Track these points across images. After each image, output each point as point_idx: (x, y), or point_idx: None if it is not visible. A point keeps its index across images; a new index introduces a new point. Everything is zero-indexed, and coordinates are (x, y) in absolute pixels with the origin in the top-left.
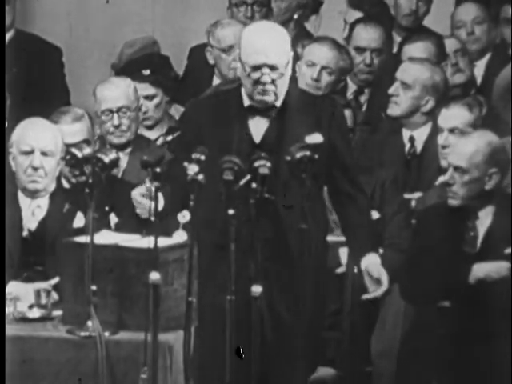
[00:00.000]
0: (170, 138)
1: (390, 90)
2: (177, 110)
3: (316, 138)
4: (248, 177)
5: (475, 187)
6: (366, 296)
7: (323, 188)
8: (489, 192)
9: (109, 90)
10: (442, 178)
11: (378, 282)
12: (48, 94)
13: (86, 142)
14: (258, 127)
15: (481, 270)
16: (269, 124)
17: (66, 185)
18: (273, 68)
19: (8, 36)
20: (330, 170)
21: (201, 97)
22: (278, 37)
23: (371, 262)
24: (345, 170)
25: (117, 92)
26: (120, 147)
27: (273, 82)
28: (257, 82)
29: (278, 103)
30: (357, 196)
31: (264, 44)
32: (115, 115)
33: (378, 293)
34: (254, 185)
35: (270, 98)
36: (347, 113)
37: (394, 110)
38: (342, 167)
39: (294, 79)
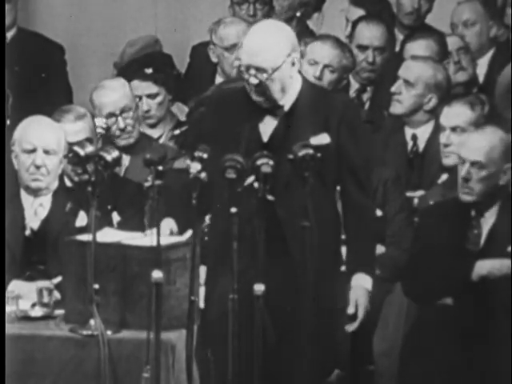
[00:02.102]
0: (177, 132)
1: (393, 88)
2: (179, 109)
3: (322, 138)
4: (252, 178)
5: (490, 183)
6: (346, 327)
7: (335, 189)
8: (501, 188)
9: (107, 95)
10: (444, 177)
11: (355, 313)
12: (50, 92)
13: (89, 140)
14: (267, 127)
15: (484, 267)
16: (277, 123)
17: (68, 183)
18: (259, 70)
19: (10, 34)
20: (339, 173)
21: (211, 94)
22: (272, 38)
23: (357, 286)
24: (353, 174)
25: (115, 95)
26: (127, 148)
27: (260, 83)
28: (248, 82)
29: (287, 103)
30: (362, 205)
31: (254, 45)
32: (119, 118)
33: (352, 327)
34: (256, 184)
35: (260, 99)
36: None
37: (396, 108)
38: (350, 171)
39: (305, 78)
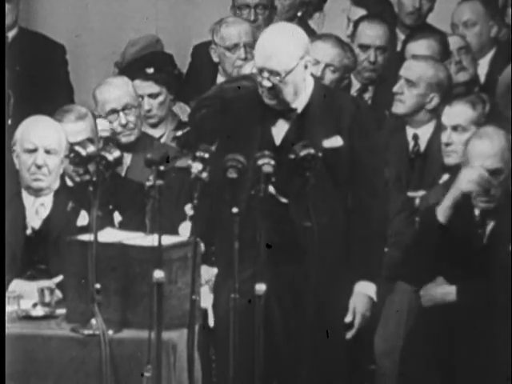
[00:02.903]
0: (179, 133)
1: (395, 88)
2: (181, 108)
3: (335, 141)
4: (262, 186)
5: (506, 184)
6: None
7: (348, 191)
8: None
9: (110, 91)
10: (445, 177)
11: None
12: (51, 92)
13: (90, 140)
14: (279, 130)
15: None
16: (289, 126)
17: (69, 183)
18: (272, 73)
19: (11, 34)
20: (351, 175)
21: (214, 95)
22: (286, 41)
23: (358, 293)
24: (364, 177)
25: (118, 92)
26: (129, 146)
27: (273, 86)
28: (261, 85)
29: (300, 106)
30: (372, 210)
31: (267, 48)
32: (121, 114)
33: (349, 335)
34: (271, 188)
35: (273, 102)
36: None
37: (398, 108)
38: (361, 173)
39: (318, 80)
